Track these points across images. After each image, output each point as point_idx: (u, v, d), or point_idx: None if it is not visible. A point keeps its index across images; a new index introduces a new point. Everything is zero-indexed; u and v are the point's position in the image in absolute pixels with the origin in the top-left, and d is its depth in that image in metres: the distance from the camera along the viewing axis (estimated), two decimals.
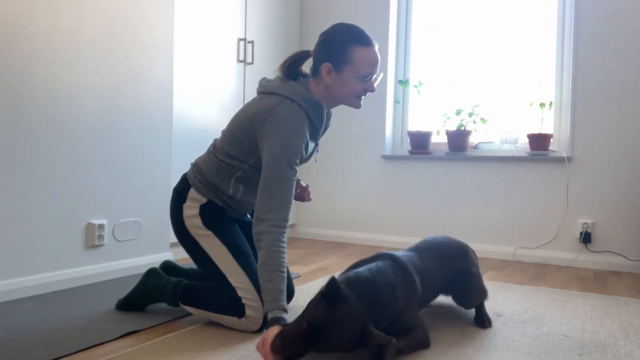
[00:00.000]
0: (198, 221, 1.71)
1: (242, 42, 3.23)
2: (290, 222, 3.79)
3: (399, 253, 1.60)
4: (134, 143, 2.44)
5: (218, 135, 3.03)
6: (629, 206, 2.83)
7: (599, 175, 2.91)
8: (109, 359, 1.40)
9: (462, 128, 3.26)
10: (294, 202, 3.82)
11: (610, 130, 2.88)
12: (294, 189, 1.57)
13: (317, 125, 1.68)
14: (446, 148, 3.39)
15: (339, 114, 3.63)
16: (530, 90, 3.17)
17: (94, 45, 2.25)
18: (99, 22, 2.26)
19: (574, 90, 2.97)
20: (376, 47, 1.64)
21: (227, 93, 3.14)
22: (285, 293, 1.46)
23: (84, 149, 2.23)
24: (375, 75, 1.65)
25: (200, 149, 2.86)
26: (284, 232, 1.50)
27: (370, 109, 3.56)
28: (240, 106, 3.22)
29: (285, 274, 1.48)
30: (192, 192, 1.73)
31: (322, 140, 3.73)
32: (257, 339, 1.56)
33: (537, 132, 3.05)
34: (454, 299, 1.80)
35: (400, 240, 3.45)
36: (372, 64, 1.62)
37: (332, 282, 1.26)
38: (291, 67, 1.68)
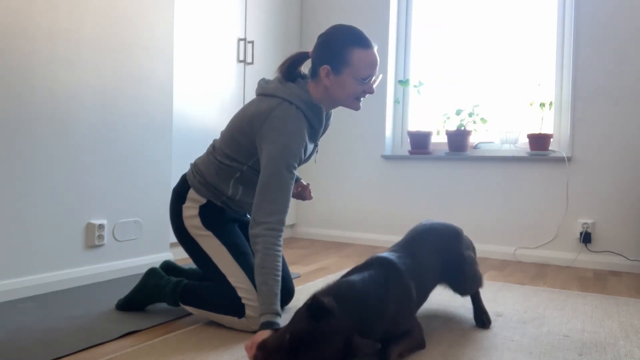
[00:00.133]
0: (197, 221, 1.71)
1: (242, 42, 3.23)
2: (290, 222, 3.81)
3: (392, 256, 1.57)
4: (134, 143, 2.44)
5: (218, 135, 3.03)
6: (629, 206, 2.83)
7: (599, 175, 2.91)
8: (109, 359, 1.40)
9: (462, 128, 3.26)
10: (294, 201, 3.83)
11: (610, 130, 2.88)
12: (291, 191, 1.56)
13: (316, 126, 1.68)
14: (446, 148, 3.39)
15: (339, 114, 3.63)
16: (530, 90, 3.17)
17: (94, 45, 2.25)
18: (99, 22, 2.26)
19: (574, 90, 2.97)
20: (375, 48, 1.63)
21: (227, 93, 3.14)
22: (279, 297, 1.46)
23: (84, 149, 2.23)
24: (374, 77, 1.64)
25: (200, 149, 2.86)
26: (280, 236, 1.51)
27: (370, 109, 3.56)
28: (240, 106, 3.22)
29: (280, 278, 1.47)
30: (192, 193, 1.73)
31: (322, 141, 3.73)
32: None
33: (537, 132, 3.05)
34: (450, 285, 1.75)
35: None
36: (371, 66, 1.61)
37: (315, 299, 1.23)
38: (290, 69, 1.67)
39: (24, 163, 2.01)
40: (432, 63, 3.52)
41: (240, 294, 1.62)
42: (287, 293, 1.85)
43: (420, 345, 1.50)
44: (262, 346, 1.22)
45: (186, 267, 1.99)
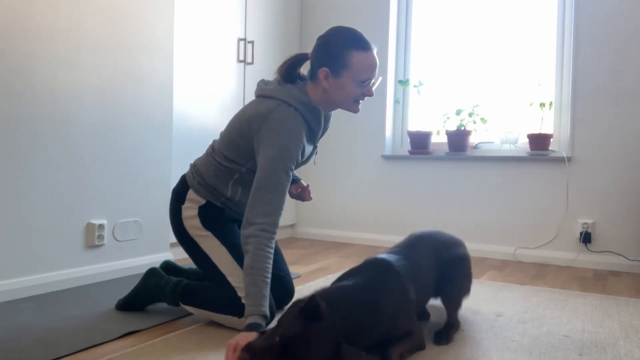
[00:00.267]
0: (197, 222, 1.71)
1: (242, 42, 3.23)
2: (290, 222, 3.81)
3: (390, 257, 1.56)
4: (134, 143, 2.44)
5: (217, 135, 3.03)
6: (629, 206, 2.83)
7: (599, 175, 2.91)
8: (109, 359, 1.40)
9: (462, 128, 3.26)
10: (294, 201, 3.83)
11: (610, 130, 2.88)
12: (286, 193, 1.55)
13: (314, 128, 1.67)
14: (446, 148, 3.39)
15: (339, 114, 3.63)
16: (530, 90, 3.17)
17: (94, 45, 2.25)
18: (99, 22, 2.26)
19: (574, 90, 2.97)
20: (374, 51, 1.62)
21: (227, 93, 3.14)
22: (267, 299, 1.44)
23: (84, 149, 2.23)
24: (373, 80, 1.63)
25: (200, 149, 2.86)
26: (273, 238, 1.49)
27: (370, 109, 3.56)
28: (240, 106, 3.22)
29: (269, 280, 1.46)
30: (191, 194, 1.73)
31: (322, 141, 3.73)
32: None
33: (537, 132, 3.05)
34: (439, 288, 1.68)
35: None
36: (371, 69, 1.60)
37: (314, 301, 1.22)
38: (289, 70, 1.67)
39: (24, 163, 2.01)
40: (432, 63, 3.52)
41: (240, 293, 1.62)
42: (287, 293, 1.85)
43: (421, 346, 1.50)
44: (249, 348, 1.20)
45: (186, 267, 1.99)
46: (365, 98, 1.66)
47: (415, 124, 3.58)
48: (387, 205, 3.52)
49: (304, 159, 1.71)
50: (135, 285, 1.86)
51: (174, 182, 2.67)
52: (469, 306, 1.90)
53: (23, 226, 2.01)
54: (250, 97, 3.29)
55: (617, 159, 2.86)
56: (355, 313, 1.33)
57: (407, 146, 3.55)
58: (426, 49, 3.55)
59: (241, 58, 3.23)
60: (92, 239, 2.26)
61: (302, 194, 1.93)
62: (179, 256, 2.81)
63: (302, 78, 1.71)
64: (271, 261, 1.48)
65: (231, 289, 1.64)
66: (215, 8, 3.02)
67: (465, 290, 1.72)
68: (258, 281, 1.43)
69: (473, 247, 3.22)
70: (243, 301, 1.61)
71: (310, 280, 2.44)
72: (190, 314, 1.81)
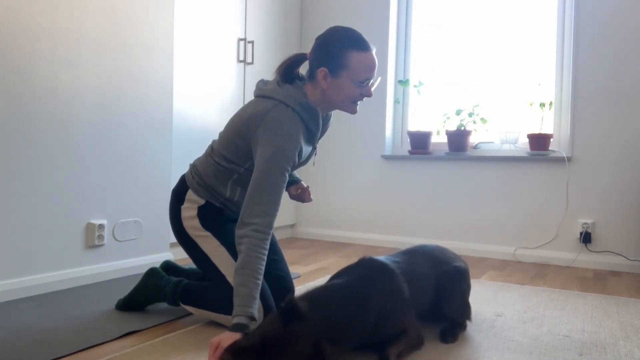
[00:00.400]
0: (196, 222, 1.71)
1: (242, 42, 3.23)
2: (290, 222, 3.81)
3: (386, 258, 1.55)
4: (134, 143, 2.44)
5: (217, 135, 3.03)
6: (629, 206, 2.83)
7: (599, 175, 2.91)
8: (109, 359, 1.40)
9: (462, 128, 3.26)
10: (294, 202, 3.83)
11: (610, 130, 2.88)
12: (282, 194, 1.55)
13: (312, 129, 1.66)
14: (446, 148, 3.39)
15: (339, 113, 3.63)
16: (530, 90, 3.17)
17: (94, 45, 2.25)
18: (99, 22, 2.26)
19: (574, 90, 2.97)
20: (373, 51, 1.61)
21: (227, 93, 3.14)
22: (257, 301, 1.42)
23: (84, 149, 2.23)
24: (372, 80, 1.62)
25: (200, 149, 2.86)
26: (266, 239, 1.47)
27: (370, 109, 3.56)
28: (240, 106, 3.22)
29: (261, 282, 1.44)
30: (190, 194, 1.73)
31: (322, 141, 3.73)
32: None
33: (537, 132, 3.05)
34: (436, 303, 1.66)
35: (400, 240, 3.45)
36: (369, 69, 1.59)
37: (291, 301, 1.23)
38: (288, 70, 1.66)
39: (24, 163, 2.01)
40: (432, 63, 3.52)
41: None
42: (287, 293, 1.84)
43: (418, 343, 1.49)
44: (231, 349, 1.21)
45: (186, 267, 1.99)
46: (364, 98, 1.65)
47: (415, 124, 3.58)
48: (387, 205, 3.52)
49: (303, 159, 1.70)
50: (135, 286, 1.86)
51: (173, 182, 2.67)
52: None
53: (23, 226, 2.01)
54: (250, 97, 3.29)
55: (617, 159, 2.86)
56: (341, 311, 1.33)
57: (407, 146, 3.55)
58: (426, 49, 3.55)
59: (241, 58, 3.23)
60: (92, 239, 2.26)
61: (302, 195, 1.92)
62: (179, 256, 2.81)
63: (301, 78, 1.69)
64: (264, 262, 1.46)
65: (231, 289, 1.62)
66: (215, 8, 3.02)
67: (467, 314, 1.69)
68: (248, 282, 1.42)
69: (473, 247, 3.22)
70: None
71: (310, 280, 2.44)
72: (190, 314, 1.81)
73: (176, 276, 1.94)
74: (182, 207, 1.73)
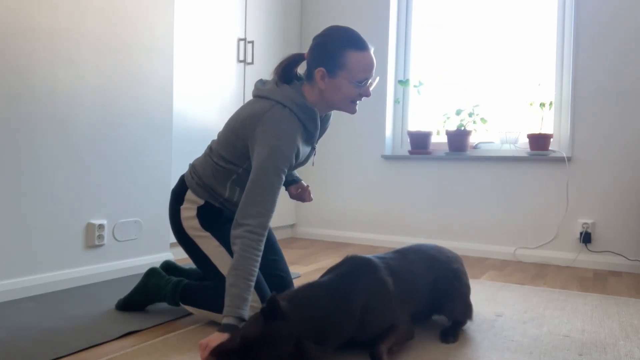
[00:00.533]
0: (196, 222, 1.70)
1: (242, 42, 3.23)
2: (290, 222, 3.81)
3: (372, 256, 1.55)
4: (134, 143, 2.44)
5: (217, 136, 3.03)
6: (629, 206, 2.83)
7: (599, 175, 2.91)
8: (109, 359, 1.40)
9: (462, 128, 3.26)
10: (294, 201, 3.83)
11: (610, 130, 2.88)
12: (278, 195, 1.54)
13: (311, 130, 1.64)
14: (446, 148, 3.39)
15: (339, 113, 3.63)
16: (530, 90, 3.17)
17: (94, 45, 2.25)
18: (99, 22, 2.26)
19: (574, 90, 2.97)
20: (371, 50, 1.59)
21: (227, 93, 3.14)
22: (248, 302, 1.40)
23: (84, 149, 2.23)
24: (370, 80, 1.61)
25: (200, 149, 2.86)
26: (260, 240, 1.46)
27: (370, 109, 3.56)
28: (240, 106, 3.22)
29: (253, 284, 1.43)
30: (190, 194, 1.73)
31: (322, 141, 3.73)
32: None
33: (537, 132, 3.05)
34: (437, 305, 1.67)
35: (401, 240, 3.45)
36: (367, 69, 1.58)
37: (272, 300, 1.23)
38: (285, 70, 1.65)
39: (24, 163, 2.01)
40: (432, 63, 3.52)
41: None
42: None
43: (408, 335, 1.48)
44: (215, 351, 1.21)
45: (186, 267, 1.99)
46: (363, 98, 1.64)
47: (415, 124, 3.58)
48: (387, 205, 3.52)
49: (302, 160, 1.70)
50: (135, 286, 1.86)
51: (173, 182, 2.67)
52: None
53: (23, 226, 2.01)
54: (250, 97, 3.29)
55: (617, 159, 2.86)
56: (323, 309, 1.33)
57: (407, 146, 3.55)
58: (426, 49, 3.55)
59: (241, 58, 3.23)
60: (92, 239, 2.26)
61: (302, 195, 1.92)
62: (179, 256, 2.81)
63: (299, 78, 1.68)
64: (257, 264, 1.44)
65: None
66: (215, 8, 3.02)
67: (469, 314, 1.69)
68: (240, 283, 1.41)
69: (473, 247, 3.22)
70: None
71: (310, 280, 2.44)
72: (190, 314, 1.81)
73: (176, 276, 1.94)
74: (181, 207, 1.73)
